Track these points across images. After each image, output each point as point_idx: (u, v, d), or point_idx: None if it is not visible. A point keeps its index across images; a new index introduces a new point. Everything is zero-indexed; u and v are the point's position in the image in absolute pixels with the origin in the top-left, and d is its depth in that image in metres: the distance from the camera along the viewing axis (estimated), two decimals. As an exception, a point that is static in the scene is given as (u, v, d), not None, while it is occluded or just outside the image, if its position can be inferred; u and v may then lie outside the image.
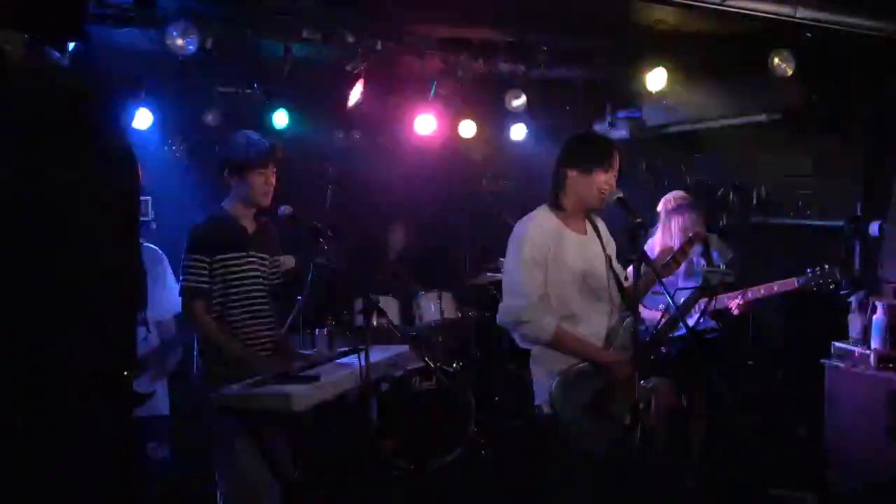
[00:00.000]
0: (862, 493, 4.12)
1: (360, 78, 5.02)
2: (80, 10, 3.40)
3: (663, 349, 4.23)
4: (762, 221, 5.54)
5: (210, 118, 5.42)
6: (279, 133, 5.53)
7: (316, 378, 3.06)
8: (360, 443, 4.60)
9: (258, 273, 3.38)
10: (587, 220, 3.31)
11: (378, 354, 3.36)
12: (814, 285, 4.12)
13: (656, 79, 5.12)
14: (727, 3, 3.68)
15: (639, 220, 2.99)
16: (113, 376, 2.02)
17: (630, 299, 3.17)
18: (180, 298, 3.32)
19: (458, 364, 5.32)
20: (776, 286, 4.24)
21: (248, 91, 5.40)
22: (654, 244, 4.58)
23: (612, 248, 3.32)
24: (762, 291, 4.28)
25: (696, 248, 4.50)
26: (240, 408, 3.01)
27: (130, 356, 2.15)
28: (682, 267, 3.69)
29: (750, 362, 5.12)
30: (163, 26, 4.08)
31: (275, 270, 3.55)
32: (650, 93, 5.25)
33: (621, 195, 3.09)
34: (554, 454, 3.13)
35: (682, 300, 3.26)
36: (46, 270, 1.93)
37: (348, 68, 4.94)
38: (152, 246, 3.89)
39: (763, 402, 5.04)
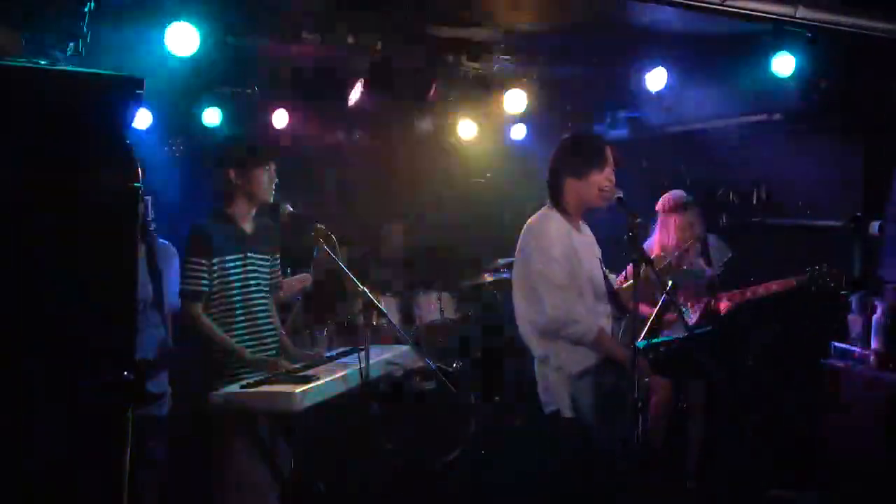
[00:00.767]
0: (862, 493, 4.11)
1: (361, 78, 5.02)
2: (80, 10, 3.41)
3: (662, 349, 4.25)
4: (762, 221, 5.53)
5: (210, 118, 5.41)
6: (279, 133, 5.53)
7: (316, 378, 3.05)
8: (360, 443, 4.60)
9: (258, 274, 3.37)
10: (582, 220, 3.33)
11: (378, 354, 3.36)
12: (813, 285, 4.12)
13: (656, 79, 5.12)
14: (727, 3, 3.67)
15: (638, 220, 2.99)
16: (113, 376, 2.02)
17: (621, 300, 3.19)
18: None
19: (458, 364, 5.32)
20: (775, 286, 4.24)
21: (248, 91, 5.39)
22: (653, 244, 4.58)
23: (598, 251, 3.36)
24: (761, 291, 4.28)
25: (697, 249, 4.52)
26: (239, 407, 3.01)
27: (130, 356, 2.15)
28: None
29: (750, 362, 5.11)
30: (163, 26, 4.08)
31: (275, 271, 3.54)
32: (650, 93, 5.25)
33: (621, 195, 3.10)
34: (575, 457, 3.13)
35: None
36: (46, 270, 1.93)
37: (348, 68, 4.94)
38: (165, 241, 3.87)
39: (763, 402, 5.04)
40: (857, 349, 4.30)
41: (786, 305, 4.66)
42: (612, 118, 6.22)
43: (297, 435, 3.56)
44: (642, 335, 3.18)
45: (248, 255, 3.34)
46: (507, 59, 5.26)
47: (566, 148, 3.27)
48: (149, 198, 4.60)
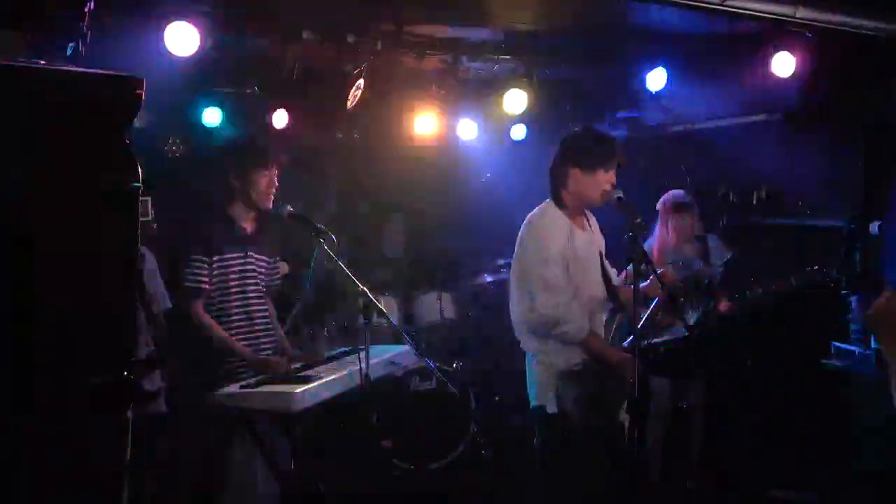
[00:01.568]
0: (862, 493, 4.12)
1: (360, 78, 5.01)
2: (80, 10, 3.41)
3: (662, 349, 4.25)
4: (762, 221, 5.53)
5: (210, 118, 5.41)
6: (279, 133, 5.52)
7: (316, 378, 3.05)
8: (360, 443, 4.60)
9: (257, 274, 3.37)
10: (584, 216, 3.31)
11: (378, 354, 3.36)
12: (812, 284, 4.12)
13: (656, 79, 5.12)
14: (727, 3, 3.67)
15: (638, 220, 2.99)
16: (113, 376, 2.01)
17: (617, 296, 3.19)
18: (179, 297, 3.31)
19: (458, 364, 5.32)
20: (774, 286, 4.24)
21: (248, 91, 5.39)
22: (653, 244, 4.58)
23: (602, 245, 3.34)
24: (760, 291, 4.28)
25: (697, 249, 4.51)
26: (239, 407, 3.01)
27: (130, 356, 2.15)
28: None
29: (750, 362, 5.11)
30: (163, 26, 4.07)
31: (274, 272, 3.54)
32: (650, 93, 5.25)
33: (621, 195, 3.09)
34: (558, 453, 3.13)
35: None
36: (46, 270, 1.93)
37: (348, 68, 4.94)
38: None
39: (763, 402, 5.04)
40: (857, 349, 4.30)
41: (786, 305, 4.66)
42: (612, 118, 6.22)
43: (297, 435, 3.56)
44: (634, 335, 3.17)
45: (248, 254, 3.34)
46: (507, 59, 5.27)
47: (580, 138, 3.24)
48: (149, 198, 4.62)
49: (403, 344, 3.77)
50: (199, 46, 4.11)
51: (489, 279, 5.66)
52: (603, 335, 3.20)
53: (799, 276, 4.14)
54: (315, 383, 3.00)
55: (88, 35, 3.58)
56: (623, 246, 3.17)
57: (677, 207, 4.55)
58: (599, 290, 3.20)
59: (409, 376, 5.01)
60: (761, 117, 5.37)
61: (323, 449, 4.47)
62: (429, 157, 6.36)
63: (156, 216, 4.87)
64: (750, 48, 4.55)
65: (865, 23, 3.99)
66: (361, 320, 3.21)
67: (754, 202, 5.60)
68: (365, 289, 3.26)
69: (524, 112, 5.71)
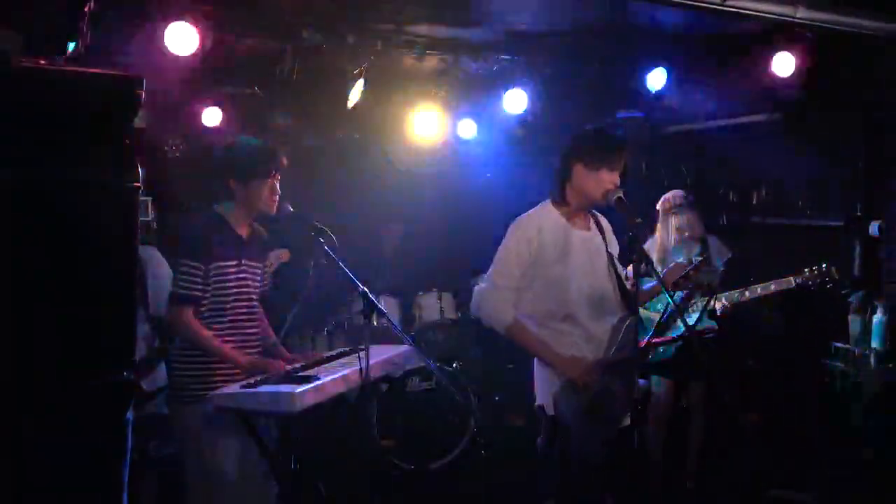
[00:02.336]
0: (862, 493, 4.12)
1: (360, 78, 5.02)
2: (80, 10, 3.40)
3: (662, 349, 4.25)
4: (762, 221, 5.53)
5: (210, 118, 5.41)
6: (280, 134, 5.53)
7: (316, 378, 3.05)
8: (360, 443, 4.60)
9: (249, 281, 3.33)
10: (591, 217, 3.30)
11: (378, 354, 3.35)
12: (811, 285, 4.12)
13: (656, 79, 5.12)
14: (727, 3, 3.67)
15: (638, 220, 2.98)
16: (112, 375, 2.02)
17: (629, 300, 3.17)
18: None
19: (457, 364, 5.32)
20: (774, 286, 4.24)
21: (248, 91, 5.39)
22: (654, 244, 4.58)
23: (614, 247, 3.31)
24: (759, 291, 4.28)
25: (696, 248, 4.51)
26: (239, 407, 3.00)
27: (130, 356, 2.15)
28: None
29: (750, 362, 5.11)
30: (162, 26, 4.07)
31: (265, 278, 3.49)
32: (650, 93, 5.25)
33: (621, 195, 3.09)
34: (555, 454, 3.13)
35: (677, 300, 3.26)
36: (47, 270, 1.93)
37: (348, 68, 4.94)
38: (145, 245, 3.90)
39: (763, 402, 5.04)
40: (857, 349, 4.31)
41: (786, 305, 4.67)
42: (612, 118, 6.22)
43: (297, 435, 3.55)
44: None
45: (242, 261, 3.29)
46: (506, 59, 5.27)
47: (588, 136, 3.23)
48: (149, 198, 4.62)
49: (403, 344, 3.76)
50: (199, 46, 4.11)
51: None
52: (608, 335, 3.18)
53: (799, 276, 4.14)
54: (315, 383, 2.99)
55: (88, 35, 3.58)
56: (623, 246, 3.16)
57: (676, 207, 4.55)
58: (601, 290, 3.19)
59: (409, 376, 5.00)
60: (761, 117, 5.37)
61: (323, 449, 4.48)
62: (429, 157, 6.36)
63: (156, 216, 4.88)
64: (750, 48, 4.56)
65: (865, 23, 3.99)
66: (361, 320, 3.19)
67: (754, 202, 5.61)
68: (365, 289, 3.25)
69: (524, 112, 5.72)
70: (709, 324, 4.40)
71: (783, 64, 4.42)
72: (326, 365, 3.35)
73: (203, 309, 3.19)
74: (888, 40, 4.10)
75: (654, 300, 3.94)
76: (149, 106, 4.96)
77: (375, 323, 4.78)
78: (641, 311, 3.99)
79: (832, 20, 3.94)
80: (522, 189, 6.47)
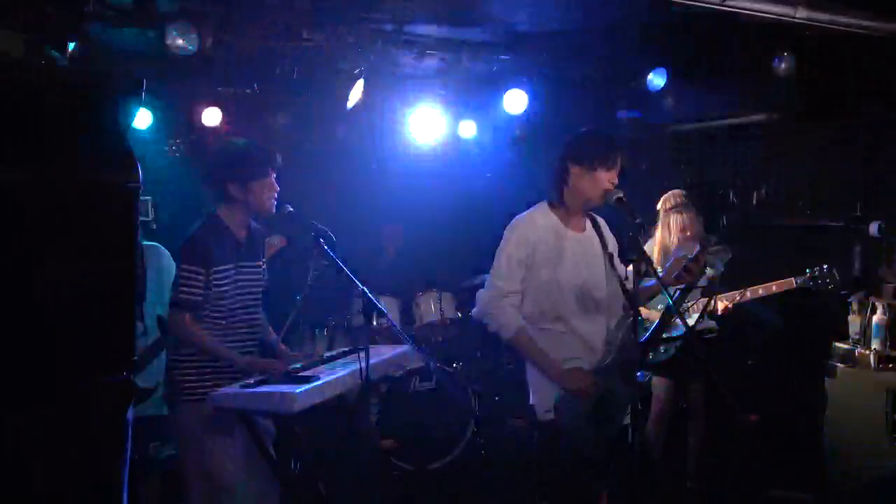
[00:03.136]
0: (862, 493, 4.11)
1: (360, 78, 5.02)
2: (80, 10, 3.41)
3: (662, 349, 4.25)
4: (762, 221, 5.53)
5: (210, 118, 5.41)
6: (279, 135, 5.53)
7: (316, 378, 3.05)
8: (360, 443, 4.60)
9: (248, 283, 3.33)
10: (587, 218, 3.30)
11: (378, 354, 3.35)
12: (813, 285, 4.12)
13: (656, 79, 5.12)
14: (727, 3, 3.67)
15: (638, 220, 2.98)
16: (112, 375, 2.02)
17: (632, 300, 3.17)
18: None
19: (457, 364, 5.32)
20: (775, 286, 4.24)
21: (248, 91, 5.39)
22: (654, 244, 4.58)
23: (613, 247, 3.31)
24: (760, 292, 4.27)
25: (696, 249, 4.51)
26: (239, 407, 3.01)
27: (130, 356, 2.15)
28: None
29: (750, 362, 5.11)
30: (162, 26, 4.08)
31: (263, 277, 3.48)
32: (650, 93, 5.25)
33: (621, 195, 3.09)
34: (554, 459, 3.13)
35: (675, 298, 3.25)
36: (46, 270, 1.93)
37: (348, 68, 4.95)
38: (156, 245, 3.89)
39: (763, 402, 5.04)
40: (857, 349, 4.30)
41: (786, 306, 4.67)
42: (612, 118, 6.22)
43: (297, 435, 3.55)
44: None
45: (240, 264, 3.29)
46: (506, 59, 5.27)
47: (582, 137, 3.25)
48: (148, 198, 4.62)
49: (403, 344, 3.76)
50: (199, 46, 4.11)
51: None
52: (605, 335, 3.19)
53: (799, 277, 4.14)
54: (315, 383, 2.99)
55: (88, 35, 3.58)
56: (623, 246, 3.16)
57: (677, 207, 4.55)
58: (596, 291, 3.19)
59: (409, 376, 5.00)
60: (761, 117, 5.37)
61: (323, 449, 4.47)
62: (429, 157, 6.37)
63: (156, 216, 4.88)
64: (750, 48, 4.55)
65: (865, 23, 3.99)
66: (361, 320, 3.19)
67: (754, 202, 5.61)
68: (365, 289, 3.25)
69: (525, 112, 5.72)
70: (709, 324, 4.40)
71: (783, 64, 4.42)
72: (326, 365, 3.35)
73: (205, 313, 3.19)
74: (888, 40, 4.10)
75: (653, 300, 3.94)
76: (149, 106, 5.01)
77: (375, 323, 4.81)
78: (642, 310, 4.00)
79: (832, 20, 3.94)
80: (522, 189, 6.49)
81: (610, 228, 3.38)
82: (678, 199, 4.59)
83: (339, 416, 4.48)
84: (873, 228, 4.76)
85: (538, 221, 3.19)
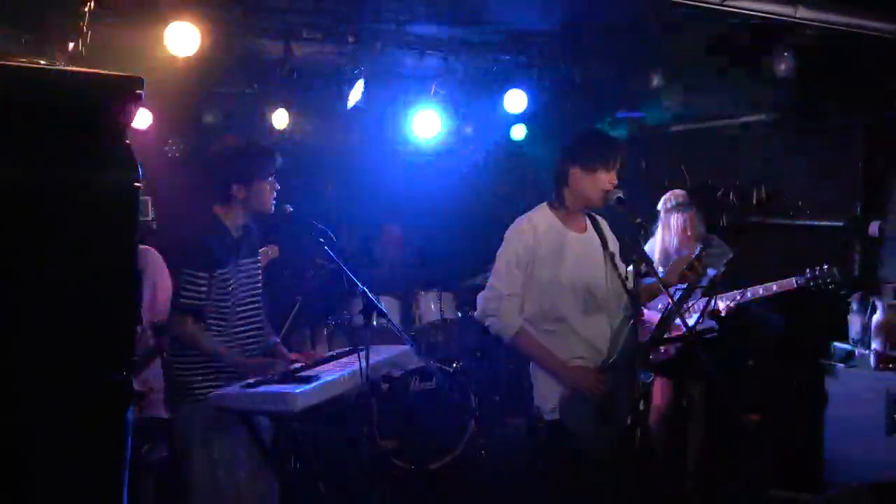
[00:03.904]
0: (862, 493, 4.11)
1: (360, 78, 5.02)
2: (80, 10, 3.41)
3: (663, 349, 4.24)
4: (762, 221, 5.53)
5: (209, 118, 5.41)
6: (279, 134, 5.53)
7: (316, 378, 3.05)
8: (360, 443, 4.60)
9: (247, 281, 3.33)
10: (587, 218, 3.31)
11: (378, 354, 3.35)
12: (813, 285, 4.12)
13: (655, 79, 5.12)
14: (727, 3, 3.67)
15: (638, 220, 2.98)
16: (112, 375, 2.01)
17: (634, 299, 3.17)
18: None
19: (457, 364, 5.32)
20: (775, 286, 4.24)
21: (248, 91, 5.39)
22: (655, 244, 4.58)
23: (614, 246, 3.31)
24: (761, 292, 4.27)
25: (697, 249, 4.51)
26: (239, 407, 3.00)
27: (130, 356, 2.15)
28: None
29: (750, 362, 5.11)
30: (163, 26, 4.07)
31: (260, 277, 3.47)
32: (650, 93, 5.25)
33: (621, 195, 3.09)
34: (557, 460, 3.13)
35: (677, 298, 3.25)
36: (46, 270, 1.93)
37: (348, 68, 4.95)
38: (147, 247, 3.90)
39: (763, 402, 5.04)
40: (857, 349, 4.31)
41: (786, 306, 4.66)
42: (612, 118, 6.23)
43: (297, 435, 3.55)
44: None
45: (238, 263, 3.28)
46: (506, 59, 5.27)
47: (583, 138, 3.26)
48: (148, 198, 4.62)
49: (403, 344, 3.77)
50: (199, 46, 4.11)
51: (489, 279, 5.65)
52: (606, 335, 3.18)
53: (801, 277, 4.14)
54: (315, 383, 2.99)
55: (88, 35, 3.58)
56: (624, 246, 3.16)
57: (679, 207, 4.55)
58: (596, 291, 3.19)
59: (409, 376, 5.00)
60: (761, 117, 5.37)
61: (323, 449, 4.48)
62: (428, 157, 6.37)
63: (156, 216, 4.88)
64: (750, 48, 4.55)
65: (865, 23, 3.99)
66: (361, 320, 3.19)
67: (754, 202, 5.61)
68: (365, 289, 3.24)
69: (524, 112, 5.72)
70: (709, 324, 4.40)
71: (783, 64, 4.42)
72: (326, 365, 3.35)
73: (207, 315, 3.18)
74: (888, 40, 4.10)
75: (653, 301, 3.94)
76: (149, 106, 5.01)
77: (375, 323, 4.80)
78: (645, 312, 4.01)
79: (832, 20, 3.94)
80: (522, 189, 6.51)
81: (611, 229, 3.38)
82: (679, 199, 4.59)
83: (339, 416, 4.49)
84: (873, 228, 4.76)
85: (539, 223, 3.19)
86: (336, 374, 3.14)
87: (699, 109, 5.67)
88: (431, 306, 5.56)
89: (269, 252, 3.96)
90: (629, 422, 3.13)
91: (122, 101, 2.03)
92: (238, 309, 3.27)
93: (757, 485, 4.53)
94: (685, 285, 3.24)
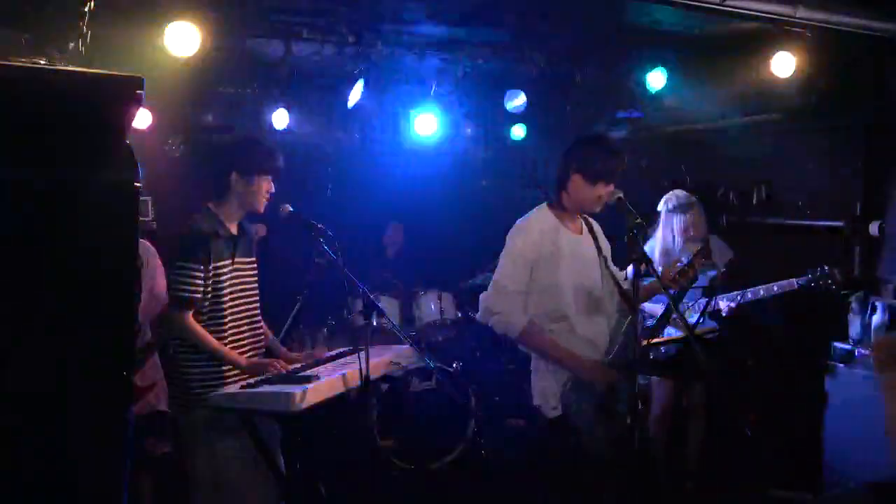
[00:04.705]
0: (862, 493, 4.11)
1: (360, 78, 5.02)
2: (80, 10, 3.41)
3: (663, 349, 4.24)
4: (762, 221, 5.53)
5: (209, 118, 5.41)
6: (279, 134, 5.52)
7: (316, 378, 3.05)
8: (360, 443, 4.60)
9: (244, 278, 3.33)
10: (581, 220, 3.32)
11: (378, 354, 3.35)
12: (813, 285, 4.12)
13: (656, 79, 5.12)
14: (727, 3, 3.67)
15: (638, 220, 2.99)
16: (112, 374, 2.01)
17: (628, 299, 3.18)
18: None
19: (458, 364, 5.32)
20: (776, 287, 4.24)
21: (248, 91, 5.39)
22: (655, 244, 4.58)
23: (607, 249, 3.34)
24: (761, 292, 4.27)
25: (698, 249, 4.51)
26: (239, 407, 3.00)
27: (130, 356, 2.15)
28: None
29: (750, 362, 5.11)
30: (163, 26, 4.07)
31: (256, 273, 3.46)
32: (650, 93, 5.25)
33: (621, 195, 3.10)
34: (561, 457, 3.14)
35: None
36: (46, 270, 1.93)
37: (348, 68, 4.95)
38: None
39: (763, 402, 5.04)
40: (857, 349, 4.31)
41: (786, 306, 4.66)
42: (612, 118, 6.22)
43: (297, 435, 3.54)
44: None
45: (236, 260, 3.28)
46: (506, 60, 5.26)
47: (589, 147, 3.27)
48: (148, 198, 4.62)
49: (403, 344, 3.77)
50: (199, 46, 4.11)
51: (489, 279, 5.65)
52: (604, 335, 3.19)
53: (799, 277, 4.14)
54: (315, 383, 2.99)
55: (88, 35, 3.58)
56: (624, 247, 3.17)
57: (679, 207, 4.55)
58: (594, 292, 3.20)
59: (409, 376, 5.00)
60: (761, 117, 5.37)
61: (323, 449, 4.47)
62: (428, 157, 6.37)
63: (156, 216, 4.88)
64: (750, 48, 4.55)
65: (865, 23, 3.99)
66: (361, 320, 3.19)
67: (754, 202, 5.60)
68: (365, 289, 3.24)
69: (524, 112, 5.72)
70: (709, 324, 4.40)
71: (783, 64, 4.41)
72: (326, 365, 3.35)
73: (204, 311, 3.18)
74: (888, 40, 4.10)
75: (653, 300, 3.95)
76: (149, 106, 5.00)
77: (375, 323, 4.81)
78: (646, 304, 4.01)
79: (832, 20, 3.94)
80: (522, 189, 6.51)
81: (609, 228, 3.40)
82: (680, 199, 4.59)
83: (339, 416, 4.49)
84: (873, 228, 4.76)
85: (540, 223, 3.20)
86: (336, 374, 3.14)
87: (699, 109, 5.66)
88: (431, 306, 5.56)
89: (257, 230, 3.96)
90: (628, 421, 3.14)
91: (121, 101, 2.03)
92: (237, 307, 3.27)
93: (757, 485, 4.52)
94: (675, 292, 3.26)
